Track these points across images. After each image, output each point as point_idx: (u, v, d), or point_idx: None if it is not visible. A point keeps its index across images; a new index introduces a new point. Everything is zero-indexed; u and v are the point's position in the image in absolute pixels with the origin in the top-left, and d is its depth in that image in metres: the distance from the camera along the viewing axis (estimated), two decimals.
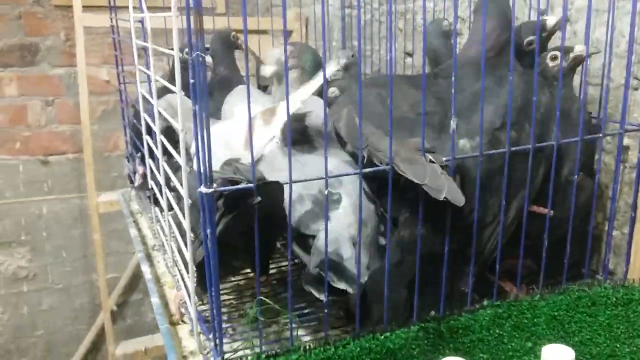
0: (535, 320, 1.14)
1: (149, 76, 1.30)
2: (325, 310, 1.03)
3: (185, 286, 1.08)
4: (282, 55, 1.23)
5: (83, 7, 2.51)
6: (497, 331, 1.13)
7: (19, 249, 3.36)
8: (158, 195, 1.30)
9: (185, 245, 1.01)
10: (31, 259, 3.39)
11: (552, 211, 1.14)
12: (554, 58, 1.26)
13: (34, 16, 3.10)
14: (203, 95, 0.84)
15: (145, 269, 1.50)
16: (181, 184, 0.96)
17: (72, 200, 3.36)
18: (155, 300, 1.34)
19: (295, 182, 0.93)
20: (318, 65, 1.81)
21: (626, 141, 1.28)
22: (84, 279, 3.49)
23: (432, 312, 1.10)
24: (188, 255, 0.95)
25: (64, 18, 3.10)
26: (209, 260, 0.92)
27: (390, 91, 0.97)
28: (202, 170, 0.87)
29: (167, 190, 1.17)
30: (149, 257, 1.64)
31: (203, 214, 0.89)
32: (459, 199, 0.93)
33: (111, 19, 1.99)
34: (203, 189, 0.87)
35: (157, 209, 1.49)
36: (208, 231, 0.89)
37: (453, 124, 1.00)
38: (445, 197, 0.92)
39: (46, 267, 3.43)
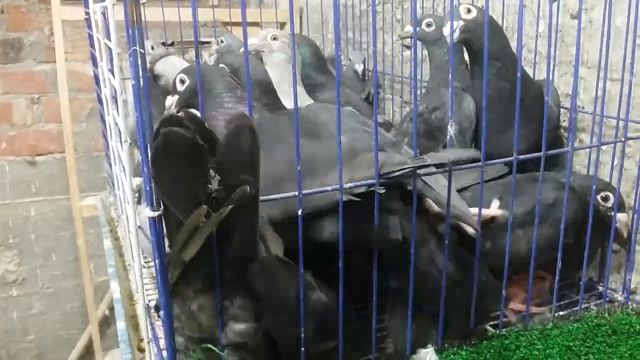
0: (547, 351, 1.00)
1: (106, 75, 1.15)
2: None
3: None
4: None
5: None
6: None
7: (7, 252, 3.23)
8: (122, 205, 1.16)
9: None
10: (20, 263, 3.27)
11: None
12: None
13: (17, 10, 2.96)
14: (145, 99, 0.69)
15: (115, 286, 1.36)
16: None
17: (61, 202, 3.23)
18: (121, 324, 1.20)
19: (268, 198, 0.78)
20: (319, 60, 1.68)
21: None
22: (75, 283, 3.36)
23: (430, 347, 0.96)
24: (138, 283, 0.80)
25: (48, 12, 2.94)
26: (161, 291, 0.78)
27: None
28: (147, 189, 0.73)
29: (128, 206, 1.03)
30: (125, 270, 1.50)
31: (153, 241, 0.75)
32: None
33: (85, 11, 1.84)
34: (149, 212, 0.73)
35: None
36: (157, 261, 0.74)
37: (451, 129, 0.85)
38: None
39: (36, 271, 3.30)
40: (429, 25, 1.40)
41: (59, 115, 3.04)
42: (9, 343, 3.34)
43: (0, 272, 3.24)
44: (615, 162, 1.13)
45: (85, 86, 3.06)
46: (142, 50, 0.65)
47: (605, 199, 1.14)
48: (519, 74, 0.89)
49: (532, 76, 1.33)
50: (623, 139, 1.03)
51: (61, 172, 3.19)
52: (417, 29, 1.42)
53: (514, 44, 1.23)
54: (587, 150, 1.20)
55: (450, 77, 0.86)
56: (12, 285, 3.28)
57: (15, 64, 3.02)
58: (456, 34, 1.17)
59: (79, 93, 3.08)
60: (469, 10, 1.19)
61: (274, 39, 1.43)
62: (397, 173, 0.80)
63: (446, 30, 1.16)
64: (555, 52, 1.27)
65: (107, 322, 3.30)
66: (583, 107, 1.29)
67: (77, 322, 3.41)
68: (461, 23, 1.18)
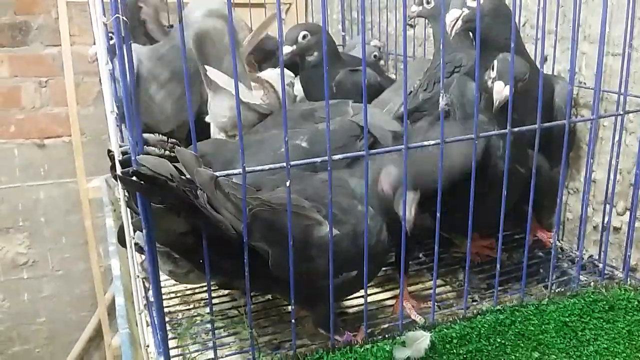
0: (543, 327, 0.99)
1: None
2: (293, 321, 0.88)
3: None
4: None
5: None
6: (499, 340, 0.98)
7: (17, 235, 3.26)
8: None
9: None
10: (30, 245, 3.30)
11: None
12: None
13: None
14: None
15: (115, 263, 1.36)
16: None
17: (69, 184, 3.24)
18: (120, 300, 1.21)
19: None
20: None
21: None
22: (85, 266, 3.38)
23: (422, 319, 0.96)
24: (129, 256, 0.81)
25: None
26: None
27: None
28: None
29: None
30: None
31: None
32: None
33: None
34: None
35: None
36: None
37: (442, 101, 0.84)
38: None
39: (46, 254, 3.33)
40: (427, 2, 1.39)
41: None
42: (20, 325, 3.38)
43: (11, 254, 3.27)
44: (616, 138, 1.11)
45: (93, 69, 3.06)
46: (124, 18, 0.64)
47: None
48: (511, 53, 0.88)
49: (534, 53, 1.31)
50: (621, 112, 1.02)
51: (70, 155, 3.20)
52: (419, 7, 1.42)
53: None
54: (588, 125, 1.18)
55: (442, 58, 0.85)
56: (23, 268, 3.31)
57: (23, 47, 3.02)
58: (459, 25, 1.12)
59: (87, 76, 3.08)
60: None
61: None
62: None
63: (447, 19, 1.13)
64: (556, 27, 1.25)
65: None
66: (585, 83, 1.27)
67: (87, 305, 3.44)
68: (465, 12, 1.12)
